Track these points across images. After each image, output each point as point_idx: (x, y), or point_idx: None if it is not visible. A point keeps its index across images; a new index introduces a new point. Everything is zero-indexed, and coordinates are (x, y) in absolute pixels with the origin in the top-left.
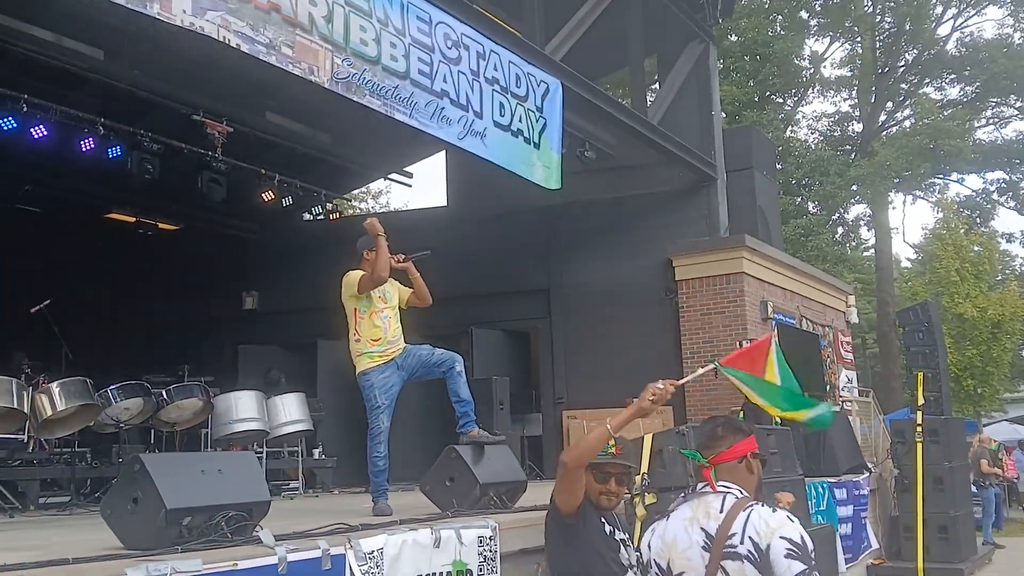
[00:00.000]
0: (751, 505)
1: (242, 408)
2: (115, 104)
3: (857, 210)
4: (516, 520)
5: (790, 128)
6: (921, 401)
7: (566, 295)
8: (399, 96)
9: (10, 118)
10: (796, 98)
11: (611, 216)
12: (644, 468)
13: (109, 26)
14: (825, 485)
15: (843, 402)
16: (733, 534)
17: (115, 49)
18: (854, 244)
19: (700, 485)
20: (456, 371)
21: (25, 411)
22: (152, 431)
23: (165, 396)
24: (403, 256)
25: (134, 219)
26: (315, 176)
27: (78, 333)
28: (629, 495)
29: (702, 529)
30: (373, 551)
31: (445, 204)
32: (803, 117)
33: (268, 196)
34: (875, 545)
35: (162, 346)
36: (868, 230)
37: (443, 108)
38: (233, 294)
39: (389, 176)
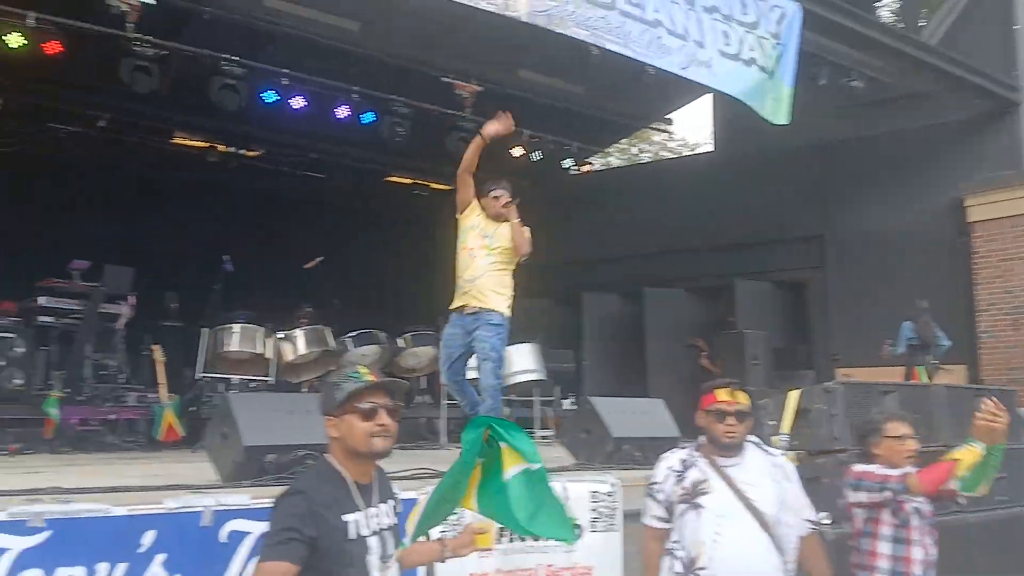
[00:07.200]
0: None
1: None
2: (368, 72)
3: None
4: None
5: None
6: None
7: (842, 242)
8: (608, 26)
9: (272, 91)
10: None
11: (892, 153)
12: (787, 428)
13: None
14: None
15: None
16: None
17: (370, 20)
18: None
19: None
20: None
21: (268, 356)
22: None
23: (400, 344)
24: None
25: (411, 180)
26: (573, 131)
27: (362, 287)
28: None
29: None
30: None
31: (711, 148)
32: None
33: (519, 151)
34: None
35: (441, 299)
36: None
37: (659, 37)
38: None
39: (649, 126)
